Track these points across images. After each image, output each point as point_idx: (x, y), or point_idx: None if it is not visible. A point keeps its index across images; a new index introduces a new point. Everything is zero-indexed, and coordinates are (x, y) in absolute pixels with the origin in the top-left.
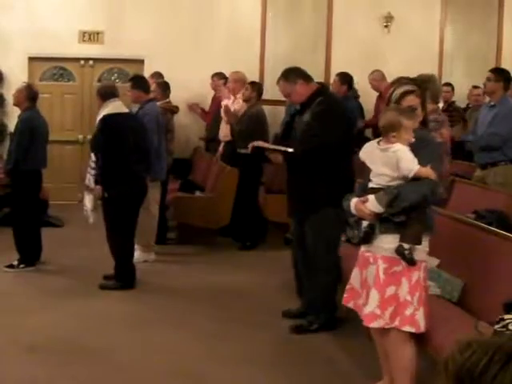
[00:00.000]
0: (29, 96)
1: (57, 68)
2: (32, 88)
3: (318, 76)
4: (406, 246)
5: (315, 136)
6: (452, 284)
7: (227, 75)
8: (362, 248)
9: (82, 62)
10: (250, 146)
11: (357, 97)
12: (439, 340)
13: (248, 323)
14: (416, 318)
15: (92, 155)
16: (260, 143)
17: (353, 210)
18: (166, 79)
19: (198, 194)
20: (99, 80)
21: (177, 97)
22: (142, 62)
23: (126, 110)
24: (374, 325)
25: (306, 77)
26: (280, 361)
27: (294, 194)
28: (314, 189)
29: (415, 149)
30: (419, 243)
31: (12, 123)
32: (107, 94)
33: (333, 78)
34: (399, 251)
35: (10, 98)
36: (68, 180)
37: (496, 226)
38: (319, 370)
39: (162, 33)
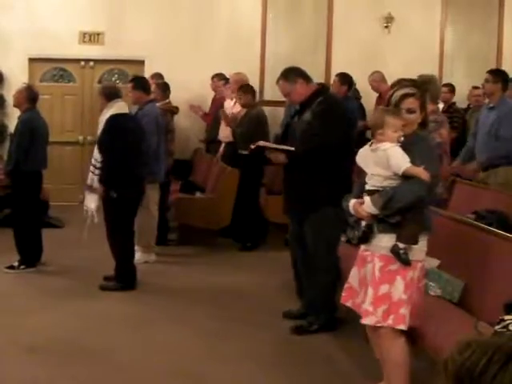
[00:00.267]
0: (29, 97)
1: (57, 69)
2: (32, 89)
3: (318, 76)
4: (401, 245)
5: (316, 135)
6: (452, 284)
7: (227, 76)
8: (362, 247)
9: (83, 62)
10: (254, 145)
11: (358, 98)
12: (439, 340)
13: (248, 324)
14: (407, 318)
15: (95, 155)
16: (262, 143)
17: (351, 210)
18: (166, 80)
19: (198, 194)
20: (99, 81)
21: (177, 97)
22: (142, 62)
23: (128, 111)
24: (366, 321)
25: (305, 77)
26: (280, 361)
27: (293, 194)
28: (314, 188)
29: (409, 148)
30: (415, 243)
31: (12, 124)
32: (112, 94)
33: (333, 78)
34: (394, 251)
35: (10, 99)
36: (68, 181)
37: (496, 227)
38: (319, 370)
39: (162, 33)
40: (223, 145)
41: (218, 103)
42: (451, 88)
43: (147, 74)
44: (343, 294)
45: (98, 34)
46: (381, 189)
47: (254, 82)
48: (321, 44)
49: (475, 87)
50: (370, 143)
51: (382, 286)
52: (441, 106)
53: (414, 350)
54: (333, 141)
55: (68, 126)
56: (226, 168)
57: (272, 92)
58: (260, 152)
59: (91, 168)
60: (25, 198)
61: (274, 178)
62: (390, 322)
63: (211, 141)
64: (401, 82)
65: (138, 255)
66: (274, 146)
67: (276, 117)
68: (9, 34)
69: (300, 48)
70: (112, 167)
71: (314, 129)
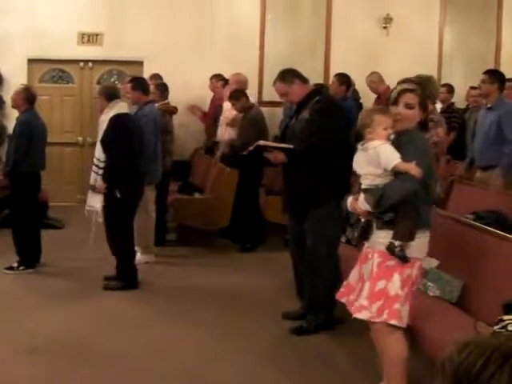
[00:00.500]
0: (27, 98)
1: (56, 70)
2: (30, 90)
3: (317, 77)
4: (396, 243)
5: (315, 132)
6: (451, 285)
7: (226, 77)
8: (365, 244)
9: (82, 63)
10: (253, 145)
11: (357, 98)
12: (438, 340)
13: (248, 324)
14: (402, 314)
15: (97, 155)
16: (262, 142)
17: (349, 207)
18: (165, 81)
19: (197, 195)
20: (98, 82)
21: (176, 98)
22: (141, 63)
23: (128, 111)
24: (359, 316)
25: (302, 77)
26: (280, 361)
27: (292, 192)
28: (314, 186)
29: (402, 145)
30: (411, 239)
31: (11, 125)
32: (112, 94)
33: (331, 79)
34: (390, 248)
35: (9, 100)
36: (68, 182)
37: (495, 227)
38: (319, 371)
39: (161, 34)
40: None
41: (216, 104)
42: (450, 88)
43: (146, 75)
44: (341, 290)
45: (97, 35)
46: (374, 187)
47: (253, 83)
48: (320, 45)
49: (473, 87)
50: (361, 143)
51: (379, 281)
52: (439, 106)
53: (413, 350)
54: (332, 137)
55: (67, 127)
56: (225, 169)
57: (271, 92)
58: (259, 152)
59: (94, 168)
60: (23, 199)
61: (273, 179)
62: (384, 316)
63: (211, 145)
64: (406, 81)
65: (138, 256)
66: (274, 144)
67: (275, 117)
68: (8, 34)
69: (299, 49)
70: (117, 166)
71: (312, 126)
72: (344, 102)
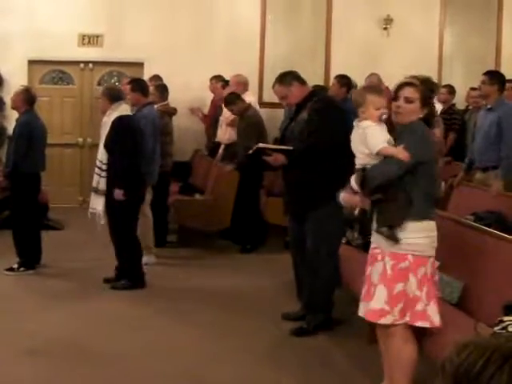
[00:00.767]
0: (27, 99)
1: (56, 71)
2: (30, 91)
3: (317, 78)
4: (383, 228)
5: (314, 132)
6: (451, 286)
7: (226, 78)
8: (372, 246)
9: (82, 65)
10: (253, 148)
11: None
12: (439, 342)
13: (248, 325)
14: (428, 314)
15: (99, 157)
16: (261, 144)
17: (342, 202)
18: (165, 82)
19: (197, 196)
20: (99, 83)
21: (177, 99)
22: (141, 65)
23: (130, 113)
24: (382, 321)
25: (300, 79)
26: (280, 362)
27: (293, 193)
28: (314, 186)
29: (400, 136)
30: (397, 224)
31: (12, 126)
32: (115, 96)
33: (332, 80)
34: (378, 231)
35: (9, 101)
36: (68, 183)
37: (495, 228)
38: (318, 371)
39: (161, 36)
40: (222, 146)
41: (216, 105)
42: (451, 89)
43: (146, 76)
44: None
45: (98, 37)
46: (362, 167)
47: (253, 84)
48: (320, 46)
49: (473, 88)
50: (357, 120)
51: (397, 284)
52: (439, 106)
53: (416, 351)
54: (330, 137)
55: (67, 128)
56: (226, 170)
57: (271, 94)
58: (259, 154)
59: (97, 170)
60: (24, 200)
61: (273, 180)
62: (407, 319)
63: (213, 147)
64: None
65: None
66: (273, 146)
67: (275, 119)
68: (8, 35)
69: (299, 50)
70: (122, 168)
71: (311, 126)
72: (344, 104)
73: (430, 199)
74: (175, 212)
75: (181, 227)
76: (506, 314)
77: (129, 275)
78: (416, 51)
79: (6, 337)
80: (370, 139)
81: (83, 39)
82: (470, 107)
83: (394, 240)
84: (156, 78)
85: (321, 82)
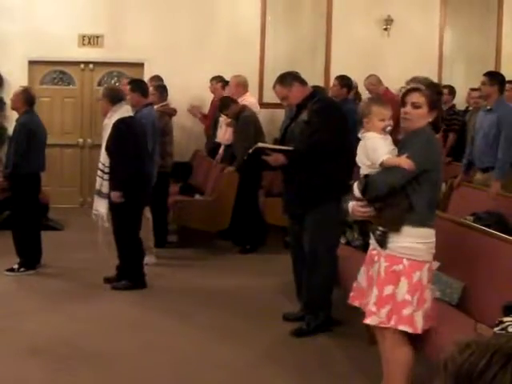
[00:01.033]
0: (26, 100)
1: (57, 72)
2: (29, 92)
3: (317, 79)
4: (380, 228)
5: (314, 132)
6: (451, 286)
7: (227, 79)
8: (371, 246)
9: (82, 65)
10: (253, 148)
11: (360, 101)
12: (439, 342)
13: (248, 326)
14: (415, 319)
15: (102, 159)
16: (261, 144)
17: (350, 212)
18: (165, 83)
19: (197, 197)
20: (99, 84)
21: (177, 100)
22: (141, 65)
23: (132, 114)
24: (368, 321)
25: (300, 80)
26: (280, 363)
27: (292, 192)
28: (313, 185)
29: (406, 144)
30: (395, 230)
31: (12, 127)
32: (116, 97)
33: (332, 81)
34: (372, 230)
35: (9, 102)
36: (68, 183)
37: (494, 228)
38: (318, 372)
39: (161, 36)
40: (222, 147)
41: (216, 106)
42: (451, 90)
43: (147, 77)
44: (351, 294)
45: (98, 37)
46: (365, 175)
47: (254, 85)
48: (320, 46)
49: (473, 89)
50: (361, 131)
51: (387, 286)
52: None
53: (411, 353)
54: (330, 137)
55: (68, 129)
56: (226, 170)
57: (271, 94)
58: (258, 154)
59: (99, 173)
60: (24, 201)
61: (272, 181)
62: (392, 322)
63: (213, 148)
64: (414, 80)
65: None
66: (273, 146)
67: (275, 119)
68: (9, 36)
69: (299, 50)
70: (123, 171)
71: (311, 127)
72: (345, 105)
73: (432, 206)
74: (175, 212)
75: (181, 228)
76: (506, 315)
77: (130, 276)
78: (416, 52)
79: (7, 337)
80: (371, 152)
81: (83, 40)
82: (471, 108)
83: (382, 245)
84: (156, 78)
85: (321, 83)
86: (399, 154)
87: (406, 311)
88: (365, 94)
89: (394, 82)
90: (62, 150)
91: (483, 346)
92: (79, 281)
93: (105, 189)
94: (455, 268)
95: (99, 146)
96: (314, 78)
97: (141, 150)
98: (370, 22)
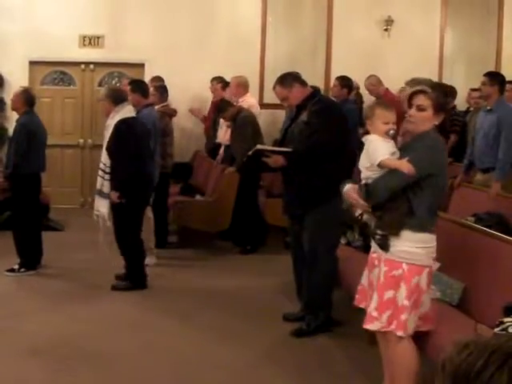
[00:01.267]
0: (26, 100)
1: (57, 72)
2: (29, 92)
3: (318, 80)
4: (379, 231)
5: (314, 133)
6: (452, 287)
7: (227, 79)
8: (371, 250)
9: (83, 66)
10: (252, 150)
11: (360, 102)
12: (439, 343)
13: (248, 326)
14: (408, 323)
15: (103, 159)
16: (260, 146)
17: (344, 194)
18: (166, 83)
19: (198, 197)
20: (100, 84)
21: (177, 101)
22: (142, 66)
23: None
24: (370, 327)
25: (301, 80)
26: (280, 364)
27: (292, 193)
28: (313, 186)
29: (410, 146)
30: (394, 233)
31: (12, 127)
32: (119, 98)
33: (333, 81)
34: (372, 234)
35: (10, 102)
36: (68, 184)
37: (495, 229)
38: (319, 373)
39: (162, 37)
40: (222, 148)
41: (215, 107)
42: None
43: (147, 77)
44: (356, 296)
45: (99, 38)
46: (365, 180)
47: (254, 85)
48: (320, 47)
49: (474, 89)
50: (364, 136)
51: (387, 291)
52: None
53: (415, 354)
54: (330, 138)
55: (68, 129)
56: (226, 171)
57: (272, 95)
58: (258, 156)
59: (100, 173)
60: (24, 201)
61: (273, 181)
62: (392, 327)
63: (213, 148)
64: (414, 81)
65: None
66: (272, 148)
67: (276, 120)
68: (9, 37)
69: (300, 51)
70: (124, 172)
71: (312, 127)
72: (345, 105)
73: (433, 211)
74: (176, 213)
75: (181, 228)
76: (507, 316)
77: (130, 276)
78: (417, 52)
79: (7, 337)
80: (372, 151)
81: (84, 40)
82: (471, 108)
83: (384, 249)
84: (157, 79)
85: (321, 83)
86: (401, 157)
87: (403, 316)
88: (366, 96)
89: (395, 83)
90: (63, 151)
91: (481, 346)
92: (79, 281)
93: (106, 189)
94: (456, 269)
95: (100, 146)
96: (315, 79)
97: (142, 151)
98: (371, 22)
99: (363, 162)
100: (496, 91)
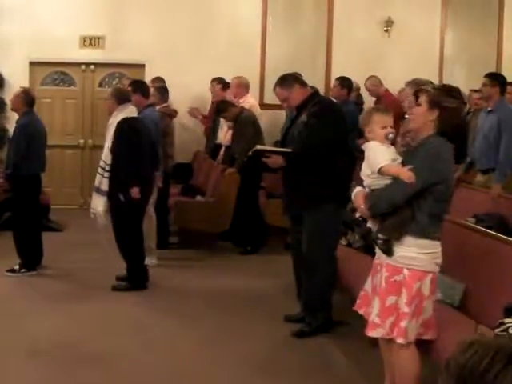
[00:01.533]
0: (26, 101)
1: (58, 73)
2: (29, 93)
3: (318, 80)
4: (380, 236)
5: (313, 133)
6: (453, 288)
7: (228, 80)
8: (376, 255)
9: (83, 66)
10: (252, 150)
11: (361, 103)
12: (440, 344)
13: (249, 327)
14: (408, 331)
15: (104, 157)
16: (259, 146)
17: (353, 196)
18: (167, 83)
19: (199, 198)
20: (100, 85)
21: (178, 101)
22: (143, 66)
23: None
24: (373, 334)
25: (301, 81)
26: (280, 365)
27: (292, 193)
28: (313, 186)
29: (414, 153)
30: (395, 237)
31: (12, 128)
32: (123, 98)
33: (333, 82)
34: (373, 239)
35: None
36: (69, 184)
37: (496, 230)
38: (319, 374)
39: (162, 37)
40: (223, 148)
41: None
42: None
43: (148, 78)
44: (357, 301)
45: (99, 38)
46: (367, 189)
47: (255, 86)
48: (321, 48)
49: (474, 90)
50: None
51: (389, 297)
52: None
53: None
54: (329, 138)
55: (69, 130)
56: (227, 171)
57: (272, 96)
58: (258, 157)
59: (99, 170)
60: (24, 202)
61: (273, 182)
62: (394, 334)
63: (213, 148)
64: (413, 82)
65: None
66: (271, 148)
67: (276, 120)
68: (10, 37)
69: (300, 52)
70: (125, 171)
71: (311, 127)
72: (345, 106)
73: (437, 218)
74: (176, 214)
75: (182, 229)
76: (507, 316)
77: (130, 277)
78: (417, 53)
79: (7, 338)
80: (372, 158)
81: (84, 41)
82: (472, 109)
83: (387, 253)
84: (158, 79)
85: (322, 84)
86: (404, 164)
87: (403, 324)
88: (367, 97)
89: (395, 84)
90: (63, 151)
91: (485, 345)
92: (80, 282)
93: (104, 186)
94: (456, 269)
95: (100, 146)
96: (315, 80)
97: (142, 151)
98: (371, 23)
99: (365, 171)
100: (497, 92)
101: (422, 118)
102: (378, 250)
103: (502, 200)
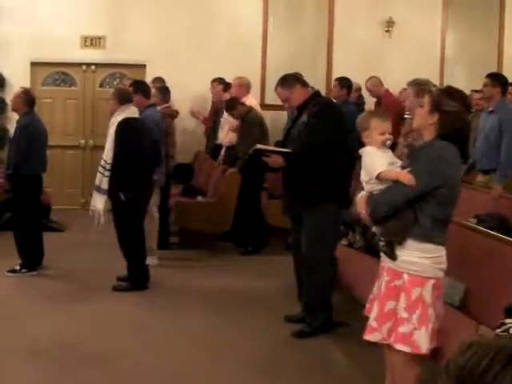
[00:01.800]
0: (26, 101)
1: (59, 73)
2: (29, 93)
3: (319, 81)
4: (382, 239)
5: (313, 133)
6: (453, 288)
7: (229, 80)
8: (381, 259)
9: (84, 66)
10: (252, 149)
11: (361, 103)
12: (440, 344)
13: (249, 327)
14: (414, 338)
15: (104, 156)
16: (260, 146)
17: (356, 202)
18: (167, 84)
19: (199, 198)
20: (101, 85)
21: (179, 102)
22: (143, 66)
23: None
24: (370, 338)
25: (302, 82)
26: (281, 365)
27: (292, 193)
28: (312, 187)
29: (413, 155)
30: (397, 240)
31: (13, 128)
32: (125, 98)
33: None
34: (375, 242)
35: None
36: (69, 185)
37: (497, 231)
38: (319, 375)
39: (163, 38)
40: (223, 149)
41: (216, 107)
42: None
43: (149, 78)
44: (367, 305)
45: (100, 38)
46: (368, 193)
47: (256, 86)
48: (322, 48)
49: (475, 91)
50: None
51: (388, 302)
52: None
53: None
54: (330, 138)
55: (69, 130)
56: (228, 171)
57: (273, 96)
58: (258, 156)
59: (100, 169)
60: (25, 202)
61: (275, 182)
62: (392, 339)
63: (213, 149)
64: (414, 82)
65: None
66: (272, 148)
67: (277, 121)
68: (10, 38)
69: (301, 52)
70: (125, 170)
71: (311, 127)
72: (345, 106)
73: (440, 223)
74: (177, 214)
75: (183, 229)
76: (508, 317)
77: (131, 276)
78: (418, 53)
79: (8, 338)
80: (369, 165)
81: (85, 41)
82: (473, 110)
83: (391, 257)
84: (159, 80)
85: (323, 85)
86: (406, 166)
87: (402, 329)
88: (368, 97)
89: (396, 84)
90: (64, 152)
91: (485, 346)
92: (80, 282)
93: (104, 185)
94: (457, 270)
95: (101, 147)
96: (316, 80)
97: (143, 151)
98: (372, 24)
99: (363, 177)
100: (498, 92)
101: (421, 120)
102: (382, 254)
103: (503, 200)
